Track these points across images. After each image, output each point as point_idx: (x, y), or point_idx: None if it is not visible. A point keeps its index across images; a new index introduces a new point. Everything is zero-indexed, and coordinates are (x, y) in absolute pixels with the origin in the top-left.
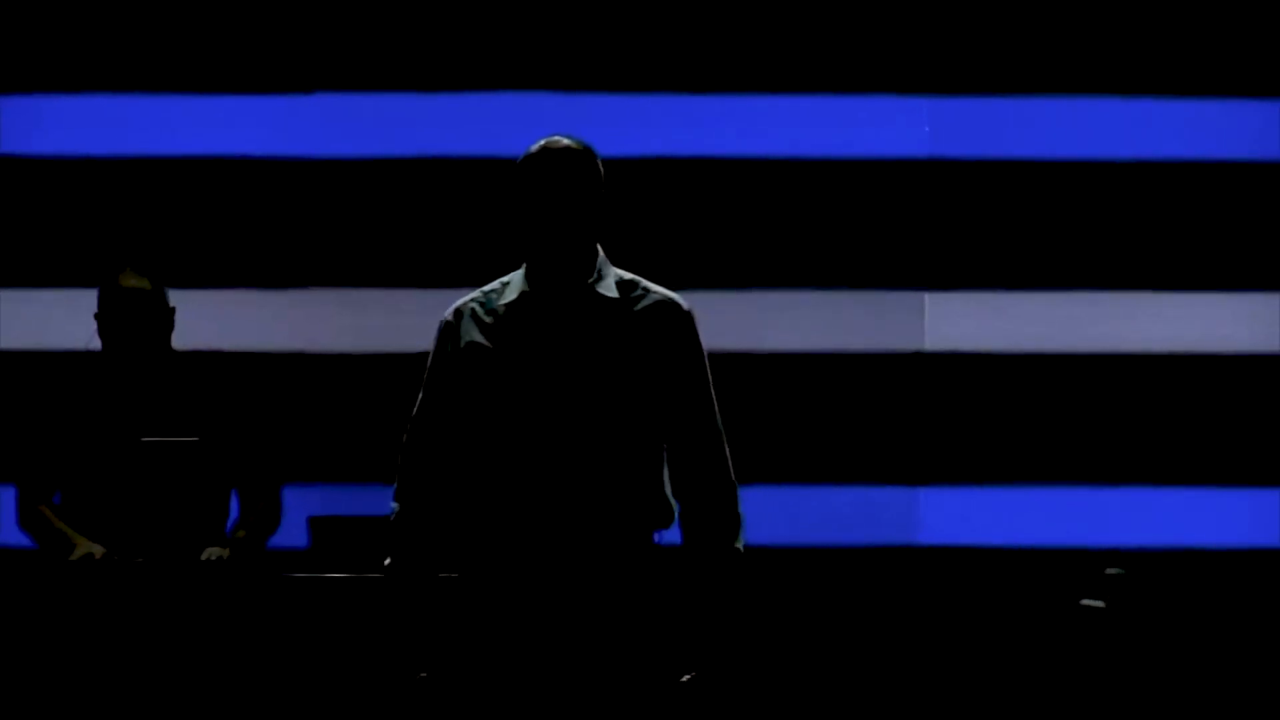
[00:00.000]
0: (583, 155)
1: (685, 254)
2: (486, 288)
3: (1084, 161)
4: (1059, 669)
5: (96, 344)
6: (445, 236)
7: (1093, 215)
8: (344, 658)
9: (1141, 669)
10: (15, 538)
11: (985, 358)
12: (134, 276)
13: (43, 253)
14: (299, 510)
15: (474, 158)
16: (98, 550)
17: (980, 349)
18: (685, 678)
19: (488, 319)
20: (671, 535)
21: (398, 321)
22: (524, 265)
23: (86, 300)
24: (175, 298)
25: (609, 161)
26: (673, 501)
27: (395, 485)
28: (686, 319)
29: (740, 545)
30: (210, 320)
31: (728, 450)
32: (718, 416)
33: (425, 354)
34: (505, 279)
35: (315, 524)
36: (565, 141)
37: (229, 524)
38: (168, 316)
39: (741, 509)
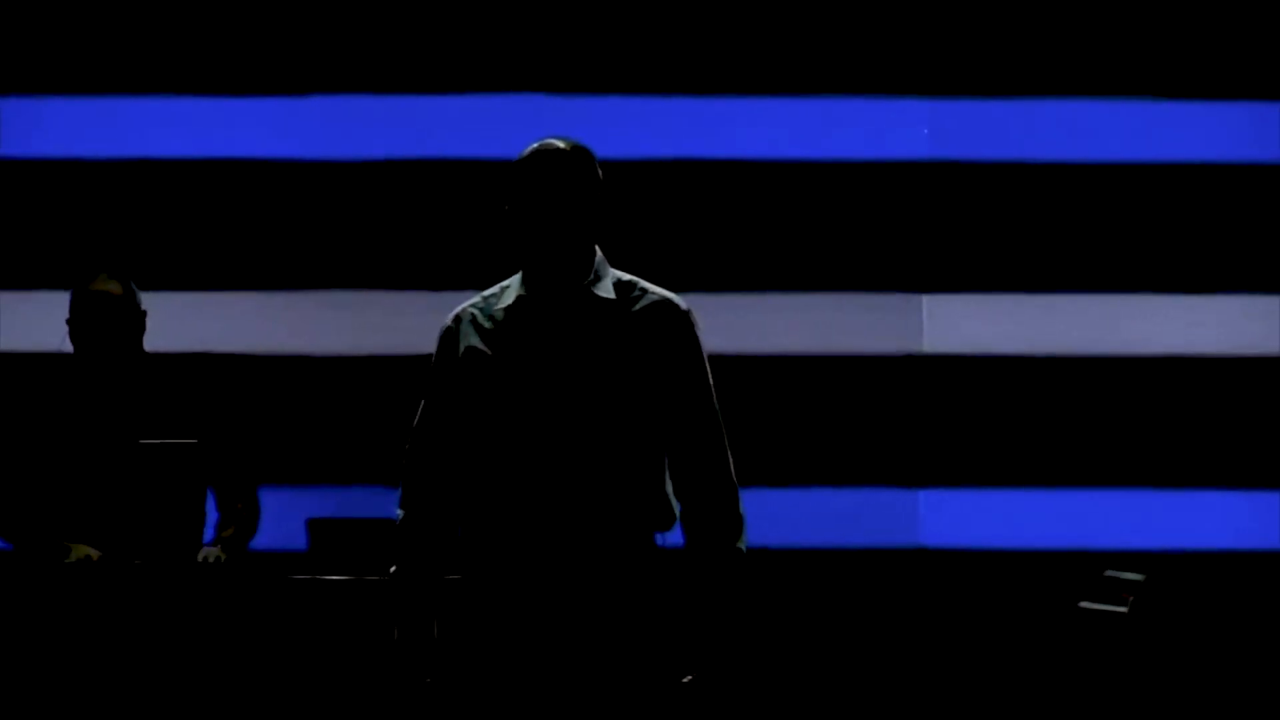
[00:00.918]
0: (578, 156)
1: (685, 256)
2: (486, 292)
3: (1083, 164)
4: (1059, 671)
5: (68, 346)
6: (443, 239)
7: (1092, 218)
8: (344, 660)
9: (1146, 672)
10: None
11: (984, 360)
12: (105, 281)
13: (43, 255)
14: (298, 512)
15: (471, 160)
16: (95, 553)
17: (979, 351)
18: (686, 679)
19: (487, 324)
20: (674, 537)
21: (396, 323)
22: (522, 268)
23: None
24: (173, 300)
25: (608, 163)
26: (674, 503)
27: (400, 492)
28: (685, 319)
29: (742, 546)
30: (208, 322)
31: (729, 450)
32: (718, 416)
33: (424, 356)
34: (505, 283)
35: (314, 526)
36: (560, 143)
37: (207, 524)
38: (139, 320)
39: (743, 509)
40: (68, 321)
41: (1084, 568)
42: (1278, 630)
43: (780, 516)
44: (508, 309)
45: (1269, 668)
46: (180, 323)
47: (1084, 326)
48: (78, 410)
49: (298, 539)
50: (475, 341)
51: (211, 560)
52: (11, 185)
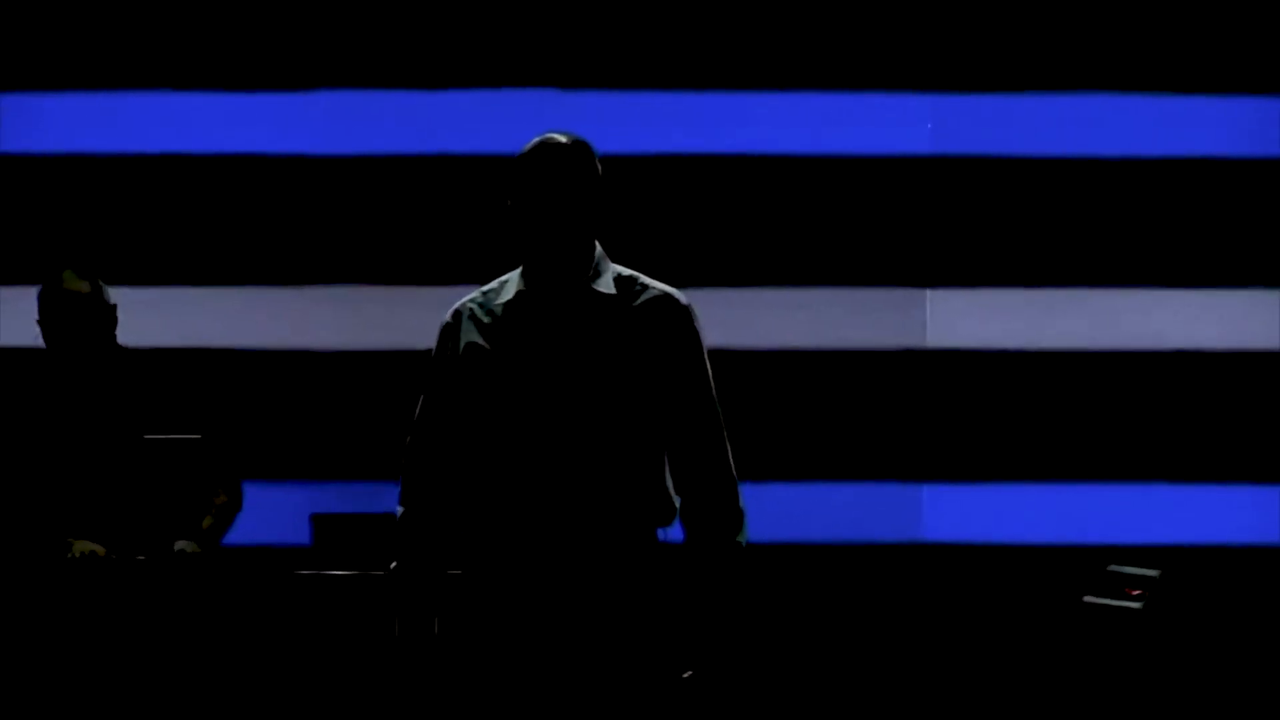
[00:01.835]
0: (579, 151)
1: (688, 251)
2: (485, 287)
3: (1086, 159)
4: (1063, 666)
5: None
6: (447, 234)
7: (1095, 212)
8: (348, 655)
9: (1152, 668)
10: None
11: (987, 355)
12: (73, 279)
13: (43, 250)
14: (301, 507)
15: (474, 155)
16: (100, 548)
17: (982, 346)
18: (686, 674)
19: (486, 319)
20: (675, 532)
21: (400, 318)
22: (523, 263)
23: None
24: (175, 295)
25: (610, 159)
26: (674, 498)
27: (399, 487)
28: (685, 313)
29: (742, 540)
30: (211, 317)
31: (728, 445)
32: (718, 411)
33: (427, 351)
34: (504, 278)
35: (317, 521)
36: (561, 138)
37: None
38: (109, 315)
39: (743, 504)
40: (38, 321)
41: (1087, 563)
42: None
43: (783, 511)
44: (507, 304)
45: (1276, 663)
46: (183, 318)
47: (1086, 321)
48: (56, 406)
49: (302, 534)
50: (475, 337)
51: (190, 552)
52: (12, 180)
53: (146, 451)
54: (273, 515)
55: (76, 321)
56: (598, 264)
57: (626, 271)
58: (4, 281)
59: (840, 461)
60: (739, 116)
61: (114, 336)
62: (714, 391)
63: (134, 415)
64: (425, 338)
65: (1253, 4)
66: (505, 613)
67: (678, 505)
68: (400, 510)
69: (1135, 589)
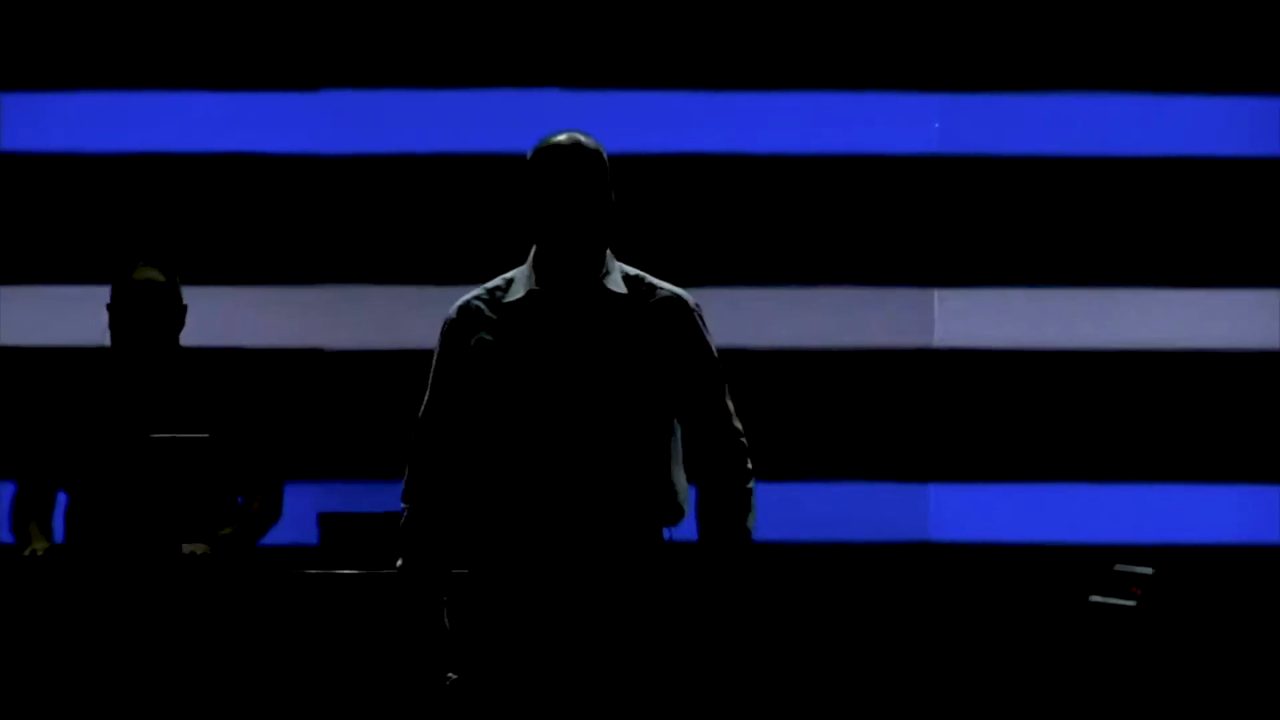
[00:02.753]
0: (593, 150)
1: (695, 250)
2: (489, 284)
3: (1093, 158)
4: (1069, 666)
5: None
6: (455, 233)
7: (1103, 212)
8: (355, 654)
9: (1156, 667)
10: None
11: (995, 354)
12: (148, 270)
13: (46, 249)
14: (309, 507)
15: (482, 154)
16: (41, 547)
17: (990, 345)
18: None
19: (495, 316)
20: (680, 532)
21: (407, 318)
22: (529, 261)
23: (89, 296)
24: (184, 294)
25: (617, 158)
26: (681, 498)
27: (403, 485)
28: (693, 314)
29: (750, 525)
30: (218, 317)
31: (744, 439)
32: (731, 405)
33: (428, 350)
34: (508, 275)
35: (325, 520)
36: (576, 136)
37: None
38: (179, 312)
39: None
40: (108, 308)
41: (1094, 562)
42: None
43: (790, 511)
44: (518, 302)
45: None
46: (188, 317)
47: (1094, 321)
48: (114, 403)
49: (309, 533)
50: (484, 334)
51: (199, 554)
52: (15, 180)
53: (152, 450)
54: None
55: (145, 313)
56: (607, 263)
57: (633, 271)
58: (7, 281)
59: (847, 461)
60: (746, 116)
61: (178, 336)
62: (727, 388)
63: (185, 417)
64: (432, 336)
65: (1262, 2)
66: (513, 612)
67: (690, 503)
68: (404, 508)
69: (1137, 588)
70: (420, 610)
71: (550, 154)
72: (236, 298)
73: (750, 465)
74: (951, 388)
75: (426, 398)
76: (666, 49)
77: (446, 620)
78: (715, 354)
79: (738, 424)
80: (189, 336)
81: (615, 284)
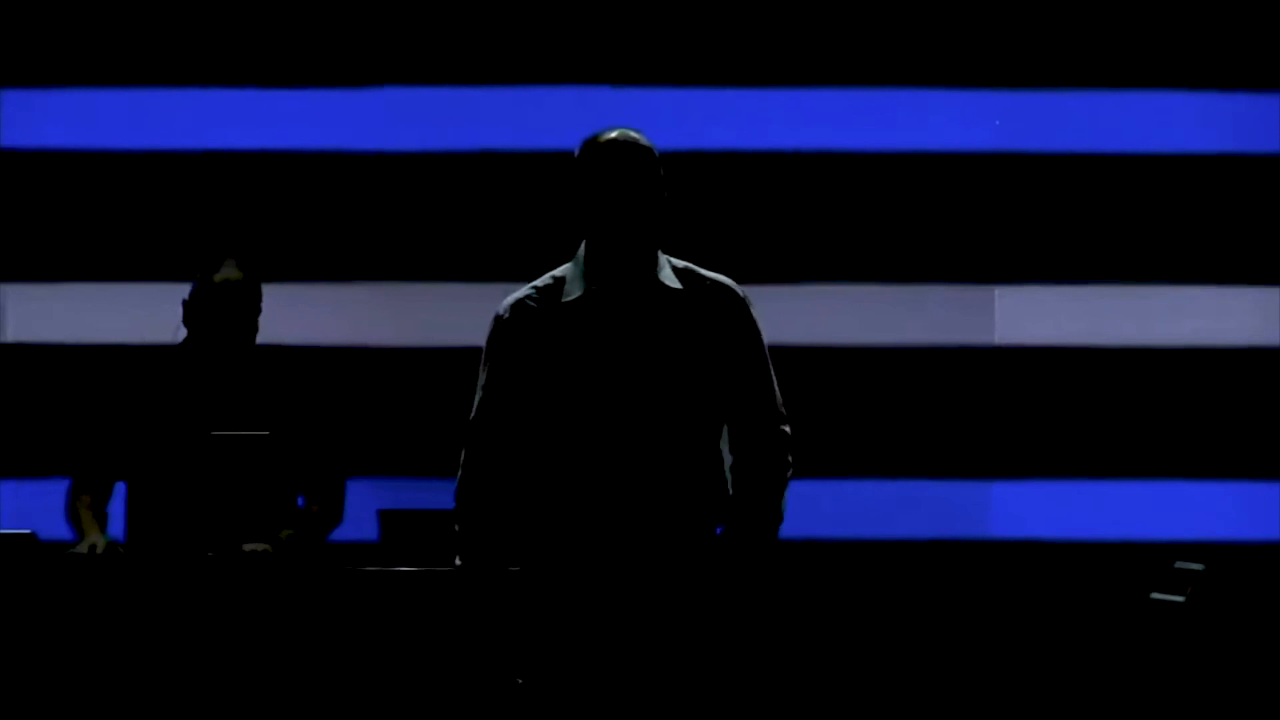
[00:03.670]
0: (648, 147)
1: (755, 248)
2: (538, 282)
3: (1156, 155)
4: (1131, 663)
5: (181, 335)
6: (516, 230)
7: (1165, 209)
8: (415, 650)
9: (1215, 664)
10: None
11: (1055, 351)
12: (233, 268)
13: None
14: (369, 503)
15: (543, 151)
16: (101, 543)
17: (1051, 343)
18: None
19: (550, 315)
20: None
21: (467, 315)
22: (577, 259)
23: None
24: None
25: (672, 154)
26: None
27: (457, 484)
28: (745, 305)
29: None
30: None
31: (789, 431)
32: (779, 398)
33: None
34: (556, 273)
35: (385, 517)
36: (630, 133)
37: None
38: (258, 311)
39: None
40: (185, 305)
41: (1156, 559)
42: None
43: (851, 509)
44: (577, 301)
45: None
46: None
47: (1156, 318)
48: (188, 400)
49: (369, 530)
50: (539, 332)
51: (260, 552)
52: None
53: (213, 448)
54: None
55: (227, 312)
56: (659, 258)
57: (681, 263)
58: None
59: (908, 459)
60: (806, 113)
61: (254, 335)
62: (775, 379)
63: (260, 414)
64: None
65: None
66: (575, 612)
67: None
68: (458, 506)
69: (1202, 586)
70: (481, 608)
71: (607, 150)
72: (296, 295)
73: (791, 459)
74: (1012, 385)
75: (478, 397)
76: (722, 47)
77: (508, 618)
78: (764, 344)
79: (784, 414)
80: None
81: (670, 279)
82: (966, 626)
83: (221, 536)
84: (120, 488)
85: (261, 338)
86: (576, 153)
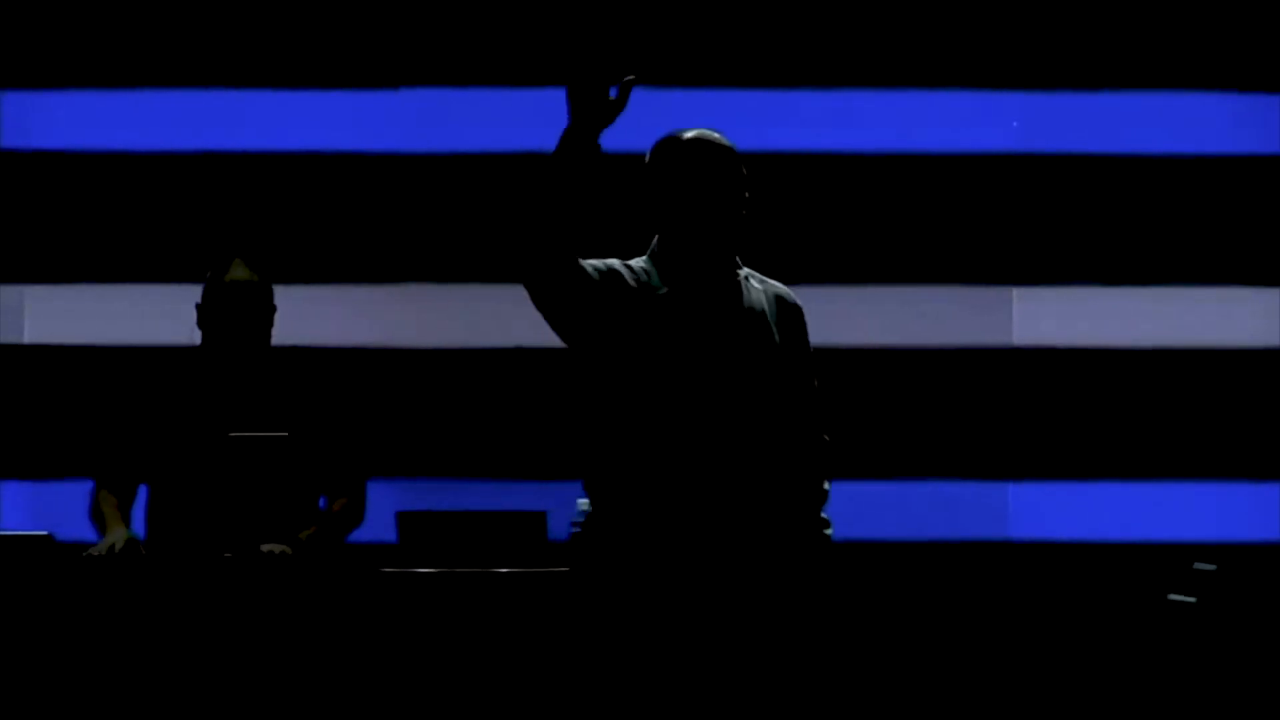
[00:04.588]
0: (733, 147)
1: (773, 249)
2: (632, 261)
3: (1174, 157)
4: (1145, 663)
5: (196, 337)
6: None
7: (1184, 210)
8: (434, 653)
9: (1231, 665)
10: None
11: (1073, 353)
12: (244, 269)
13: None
14: (388, 504)
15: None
16: (121, 541)
17: (1068, 344)
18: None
19: (646, 296)
20: None
21: (486, 317)
22: (652, 253)
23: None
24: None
25: None
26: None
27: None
28: (801, 312)
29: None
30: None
31: (829, 441)
32: (822, 409)
33: (515, 349)
34: (633, 263)
35: (403, 519)
36: (713, 133)
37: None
38: (271, 312)
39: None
40: (198, 307)
41: (1174, 560)
42: None
43: (868, 510)
44: (668, 295)
45: None
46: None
47: (1174, 319)
48: (205, 402)
49: (388, 531)
50: (635, 304)
51: (278, 553)
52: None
53: (233, 448)
54: None
55: (237, 312)
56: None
57: (744, 269)
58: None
59: (926, 460)
60: (823, 114)
61: (269, 335)
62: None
63: (277, 415)
64: (511, 335)
65: None
66: (677, 613)
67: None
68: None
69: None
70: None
71: (691, 148)
72: (316, 296)
73: (830, 470)
74: (1030, 386)
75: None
76: (747, 48)
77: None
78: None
79: (826, 426)
80: (273, 336)
81: (748, 281)
82: (983, 627)
83: (240, 538)
84: (142, 489)
85: (283, 339)
86: (651, 151)
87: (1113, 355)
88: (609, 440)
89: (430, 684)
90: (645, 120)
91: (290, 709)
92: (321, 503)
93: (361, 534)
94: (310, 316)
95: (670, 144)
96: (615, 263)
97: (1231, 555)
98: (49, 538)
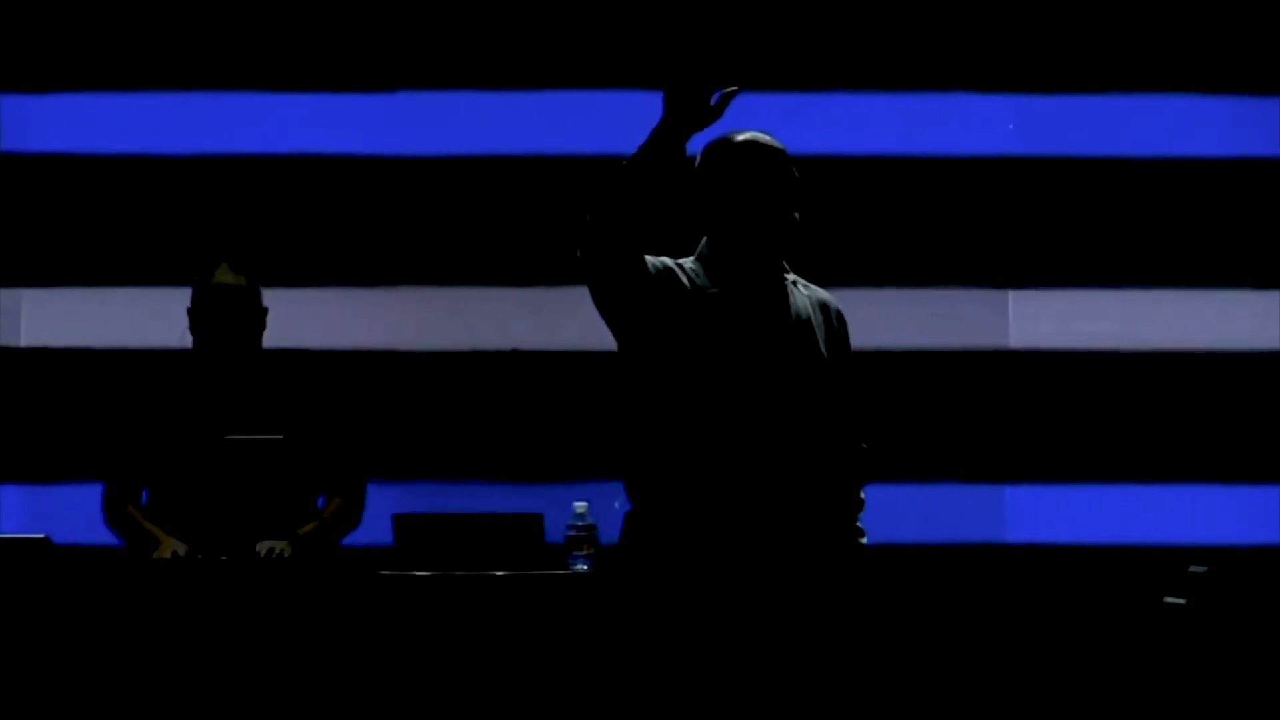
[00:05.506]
0: (784, 149)
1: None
2: (682, 261)
3: (1170, 159)
4: (1145, 667)
5: (187, 340)
6: (533, 235)
7: (1179, 213)
8: (430, 656)
9: (1225, 667)
10: (100, 536)
11: (1070, 355)
12: (230, 273)
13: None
14: (384, 507)
15: (558, 156)
16: (181, 548)
17: (1065, 347)
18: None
19: (698, 295)
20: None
21: (486, 319)
22: (700, 253)
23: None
24: (263, 297)
25: (690, 160)
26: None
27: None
28: (845, 320)
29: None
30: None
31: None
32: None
33: (512, 351)
34: (683, 262)
35: (400, 522)
36: (764, 136)
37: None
38: (260, 315)
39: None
40: (189, 312)
41: (1171, 564)
42: None
43: (866, 512)
44: (718, 295)
45: None
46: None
47: (1170, 322)
48: (198, 405)
49: (384, 534)
50: (687, 302)
51: (277, 553)
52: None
53: (229, 451)
54: None
55: (227, 316)
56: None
57: (790, 274)
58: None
59: (923, 462)
60: (821, 118)
61: (260, 338)
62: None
63: (271, 418)
64: (508, 337)
65: None
66: (719, 611)
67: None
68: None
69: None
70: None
71: (745, 150)
72: (313, 299)
73: (868, 478)
74: (1026, 389)
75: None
76: (740, 51)
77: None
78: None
79: (865, 434)
80: (269, 338)
81: (796, 285)
82: (980, 630)
83: (236, 540)
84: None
85: (280, 341)
86: (701, 154)
87: (1109, 358)
88: (653, 440)
89: (427, 686)
90: (645, 121)
91: (288, 711)
92: (320, 502)
93: (358, 536)
94: (307, 319)
95: (722, 146)
96: (669, 261)
97: (1230, 558)
98: (46, 540)
